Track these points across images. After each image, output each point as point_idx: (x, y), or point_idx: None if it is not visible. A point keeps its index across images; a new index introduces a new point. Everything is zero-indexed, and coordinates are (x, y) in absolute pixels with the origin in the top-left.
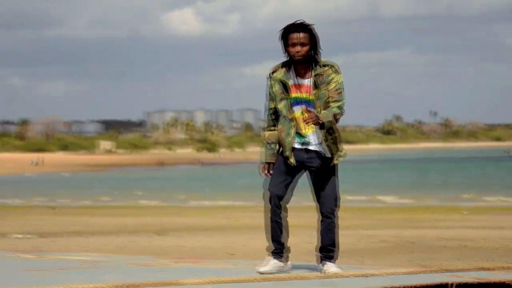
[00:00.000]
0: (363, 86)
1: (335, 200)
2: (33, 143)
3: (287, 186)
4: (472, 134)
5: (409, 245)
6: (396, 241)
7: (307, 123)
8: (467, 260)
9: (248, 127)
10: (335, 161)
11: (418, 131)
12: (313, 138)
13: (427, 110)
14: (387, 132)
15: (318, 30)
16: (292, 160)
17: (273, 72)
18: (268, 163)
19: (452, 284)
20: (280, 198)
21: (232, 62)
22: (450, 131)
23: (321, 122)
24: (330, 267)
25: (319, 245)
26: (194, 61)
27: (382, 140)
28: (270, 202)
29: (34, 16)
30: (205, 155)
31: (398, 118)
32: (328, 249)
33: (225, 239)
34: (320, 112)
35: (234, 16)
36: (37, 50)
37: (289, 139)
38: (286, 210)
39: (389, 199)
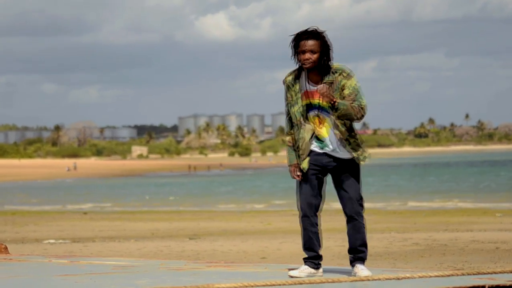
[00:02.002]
0: (397, 90)
1: (358, 201)
2: (67, 148)
3: (316, 192)
4: (505, 136)
5: (441, 247)
6: (428, 244)
7: (320, 93)
8: (501, 262)
9: (281, 131)
10: (359, 163)
11: (451, 134)
12: (330, 141)
13: (461, 113)
14: (419, 135)
15: (351, 34)
16: (304, 166)
17: (286, 78)
18: (296, 165)
19: (485, 287)
20: (310, 205)
21: (264, 67)
22: (483, 134)
23: (335, 100)
24: (361, 270)
25: (348, 246)
26: (227, 66)
27: (414, 143)
28: (301, 211)
29: (68, 23)
30: (237, 160)
31: (431, 121)
32: (357, 250)
33: (259, 243)
34: (335, 119)
35: (267, 20)
36: (71, 56)
37: (301, 144)
38: (318, 217)
39: (422, 202)
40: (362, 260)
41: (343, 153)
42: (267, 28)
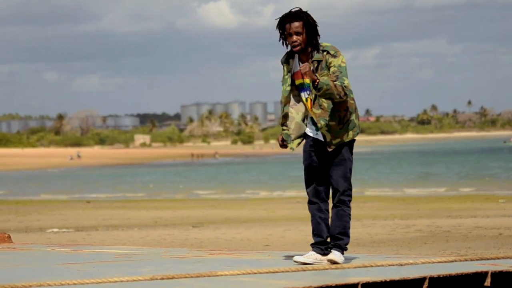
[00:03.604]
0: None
1: (345, 190)
2: (70, 137)
3: (322, 177)
4: (508, 122)
5: (444, 234)
6: (431, 230)
7: (302, 72)
8: (504, 248)
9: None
10: (328, 148)
11: (454, 120)
12: (315, 124)
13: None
14: (422, 122)
15: (353, 20)
16: (292, 146)
17: (281, 59)
18: (281, 136)
19: (488, 272)
20: (317, 191)
21: (267, 54)
22: (485, 120)
23: (316, 79)
24: (331, 254)
25: (330, 232)
26: (229, 54)
27: (417, 130)
28: (308, 197)
29: (70, 11)
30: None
31: (433, 107)
32: (335, 237)
33: (262, 231)
34: (320, 100)
35: (269, 7)
36: (73, 45)
37: (290, 123)
38: (327, 202)
39: (425, 189)
40: (339, 247)
41: (319, 136)
42: (269, 15)
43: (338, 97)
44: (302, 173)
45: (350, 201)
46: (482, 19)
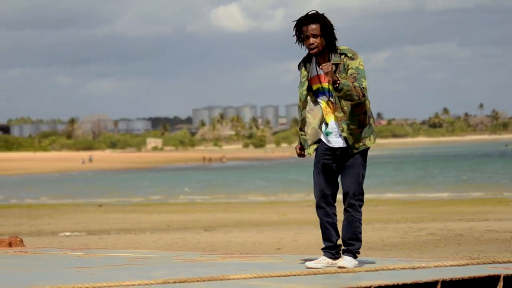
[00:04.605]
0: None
1: (356, 195)
2: (81, 141)
3: (330, 182)
4: None
5: (456, 237)
6: (443, 234)
7: (324, 71)
8: None
9: (295, 122)
10: (351, 153)
11: (465, 123)
12: (332, 129)
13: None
14: (433, 125)
15: (363, 23)
16: (309, 151)
17: (299, 63)
18: (299, 145)
19: (501, 276)
20: (324, 195)
21: (278, 58)
22: (497, 123)
23: (337, 80)
24: (342, 260)
25: (341, 237)
26: (241, 57)
27: (429, 133)
28: (316, 201)
29: (82, 15)
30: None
31: (445, 110)
32: (346, 243)
33: (274, 235)
34: (341, 103)
35: (279, 11)
36: (84, 49)
37: (307, 128)
38: (334, 206)
39: (437, 192)
40: (350, 252)
41: (336, 142)
42: (280, 19)
43: (357, 98)
44: (312, 176)
45: (361, 206)
46: (492, 22)
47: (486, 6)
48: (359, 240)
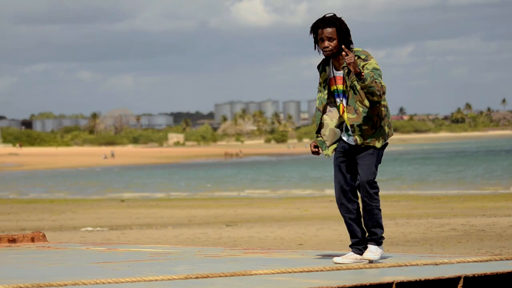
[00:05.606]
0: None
1: (370, 184)
2: (103, 136)
3: (349, 178)
4: None
5: (479, 233)
6: (466, 229)
7: (347, 62)
8: None
9: None
10: (368, 144)
11: (488, 118)
12: (346, 129)
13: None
14: (456, 120)
15: (386, 19)
16: (327, 152)
17: (318, 66)
18: (314, 142)
19: None
20: (344, 192)
21: (300, 52)
22: None
23: (359, 71)
24: (367, 251)
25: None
26: (263, 52)
27: (451, 128)
28: (337, 197)
29: (104, 10)
30: (273, 146)
31: (468, 106)
32: (370, 232)
33: (296, 230)
34: (355, 104)
35: (303, 5)
36: (107, 44)
37: (324, 130)
38: (355, 202)
39: (459, 187)
40: (374, 241)
41: (350, 141)
42: (303, 13)
43: (378, 93)
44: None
45: (376, 193)
46: None
47: (510, 1)
48: (380, 227)
